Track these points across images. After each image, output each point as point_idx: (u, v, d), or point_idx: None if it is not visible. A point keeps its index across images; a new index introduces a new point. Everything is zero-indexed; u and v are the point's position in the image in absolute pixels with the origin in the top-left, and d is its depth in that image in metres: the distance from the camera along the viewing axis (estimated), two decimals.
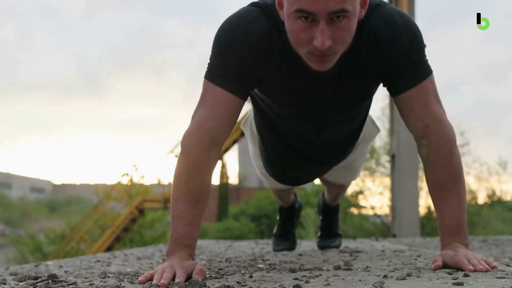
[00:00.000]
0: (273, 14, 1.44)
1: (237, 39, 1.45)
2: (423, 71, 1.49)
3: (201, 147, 1.47)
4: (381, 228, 14.18)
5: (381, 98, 12.85)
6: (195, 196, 1.48)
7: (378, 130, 2.11)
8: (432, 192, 1.56)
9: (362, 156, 2.15)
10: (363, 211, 17.34)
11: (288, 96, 1.58)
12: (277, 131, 1.78)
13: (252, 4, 1.50)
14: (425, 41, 1.50)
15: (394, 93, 1.53)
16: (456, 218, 1.51)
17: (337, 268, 1.57)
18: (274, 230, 2.67)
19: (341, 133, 1.80)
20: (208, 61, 1.51)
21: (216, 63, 1.48)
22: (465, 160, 14.37)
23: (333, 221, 2.68)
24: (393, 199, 12.03)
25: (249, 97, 1.65)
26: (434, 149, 1.51)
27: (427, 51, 1.51)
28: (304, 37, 1.31)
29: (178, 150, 1.58)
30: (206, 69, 1.51)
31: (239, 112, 1.53)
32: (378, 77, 1.54)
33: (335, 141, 1.82)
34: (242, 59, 1.46)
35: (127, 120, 74.89)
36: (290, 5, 1.30)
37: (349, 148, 1.93)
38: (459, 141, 1.73)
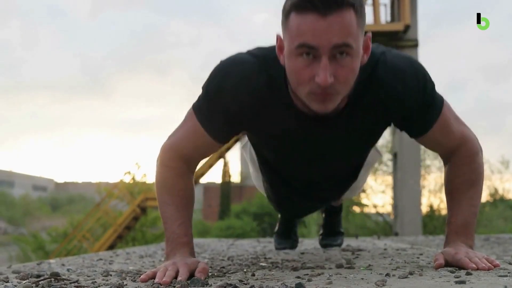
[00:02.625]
0: (269, 68, 1.40)
1: (226, 91, 1.41)
2: (437, 105, 1.45)
3: (180, 160, 1.51)
4: (383, 227, 14.18)
5: None
6: (181, 199, 1.51)
7: (380, 155, 2.08)
8: (447, 194, 1.57)
9: (363, 179, 2.10)
10: (366, 210, 17.37)
11: (284, 148, 1.56)
12: (274, 169, 1.76)
13: (251, 53, 1.44)
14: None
15: (414, 135, 1.51)
16: (464, 218, 1.52)
17: (339, 266, 1.57)
18: (276, 229, 2.67)
19: (344, 172, 1.77)
20: (201, 90, 1.47)
21: (203, 102, 1.46)
22: None
23: (335, 220, 2.67)
24: (395, 197, 12.04)
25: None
26: (457, 161, 1.53)
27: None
28: (305, 76, 1.25)
29: None
30: (196, 99, 1.48)
31: (217, 149, 1.55)
32: (389, 125, 1.52)
33: (337, 180, 1.79)
34: (227, 112, 1.43)
35: (130, 119, 75.15)
36: (291, 42, 1.24)
37: (352, 181, 1.89)
38: None
